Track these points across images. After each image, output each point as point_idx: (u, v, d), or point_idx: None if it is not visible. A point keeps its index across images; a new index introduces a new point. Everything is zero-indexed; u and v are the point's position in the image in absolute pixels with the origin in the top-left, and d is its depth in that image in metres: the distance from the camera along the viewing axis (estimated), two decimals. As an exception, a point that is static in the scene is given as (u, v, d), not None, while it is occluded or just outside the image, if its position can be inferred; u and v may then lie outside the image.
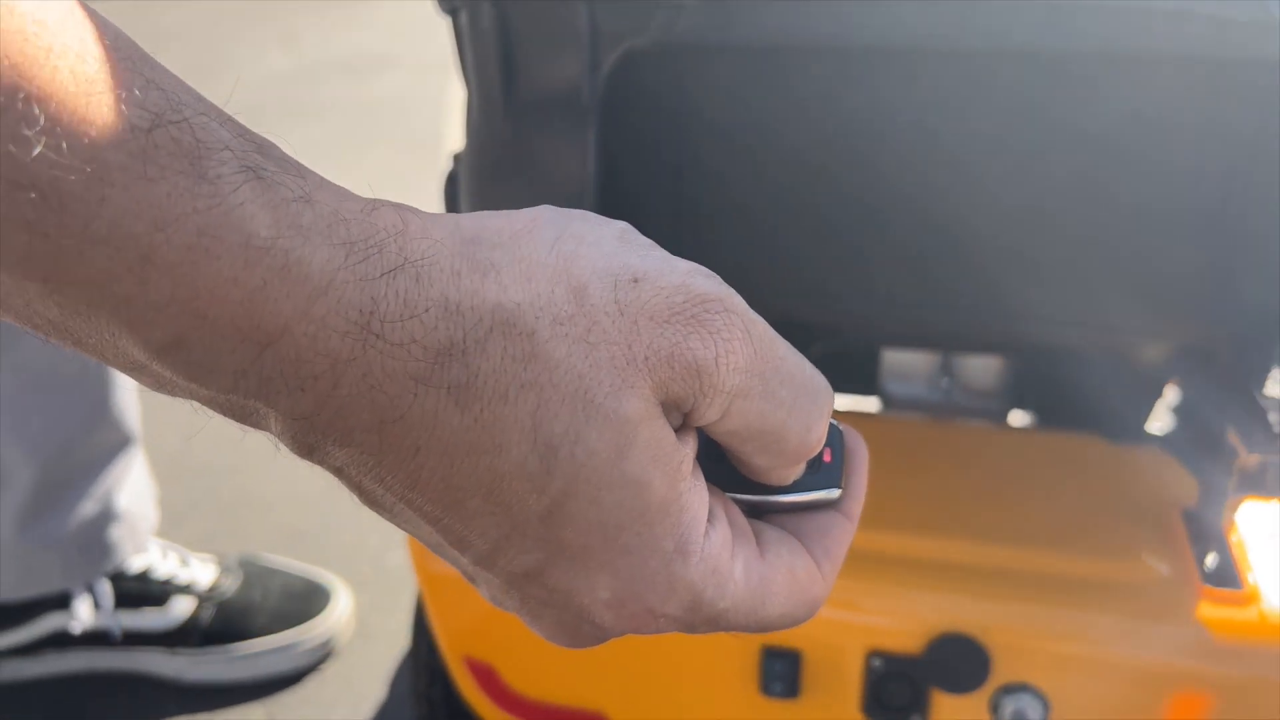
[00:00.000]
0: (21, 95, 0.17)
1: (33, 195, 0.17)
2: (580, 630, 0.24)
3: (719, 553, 0.24)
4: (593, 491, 0.22)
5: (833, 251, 0.47)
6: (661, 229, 0.49)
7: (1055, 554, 0.52)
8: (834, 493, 0.27)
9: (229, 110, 0.21)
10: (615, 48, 0.42)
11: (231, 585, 0.93)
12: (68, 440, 0.83)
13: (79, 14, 0.18)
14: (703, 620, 0.24)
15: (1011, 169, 0.43)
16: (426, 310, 0.20)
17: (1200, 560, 0.52)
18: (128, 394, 0.85)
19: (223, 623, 0.91)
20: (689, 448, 0.24)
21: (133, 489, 0.90)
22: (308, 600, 0.94)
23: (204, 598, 0.92)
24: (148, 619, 0.89)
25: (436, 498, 0.22)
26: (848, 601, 0.52)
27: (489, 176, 0.49)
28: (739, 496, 0.26)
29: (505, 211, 0.23)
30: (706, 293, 0.23)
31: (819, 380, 0.25)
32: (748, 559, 0.25)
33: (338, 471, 0.22)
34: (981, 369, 0.66)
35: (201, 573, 0.93)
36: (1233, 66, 0.39)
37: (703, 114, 0.46)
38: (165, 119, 0.18)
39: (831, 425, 0.28)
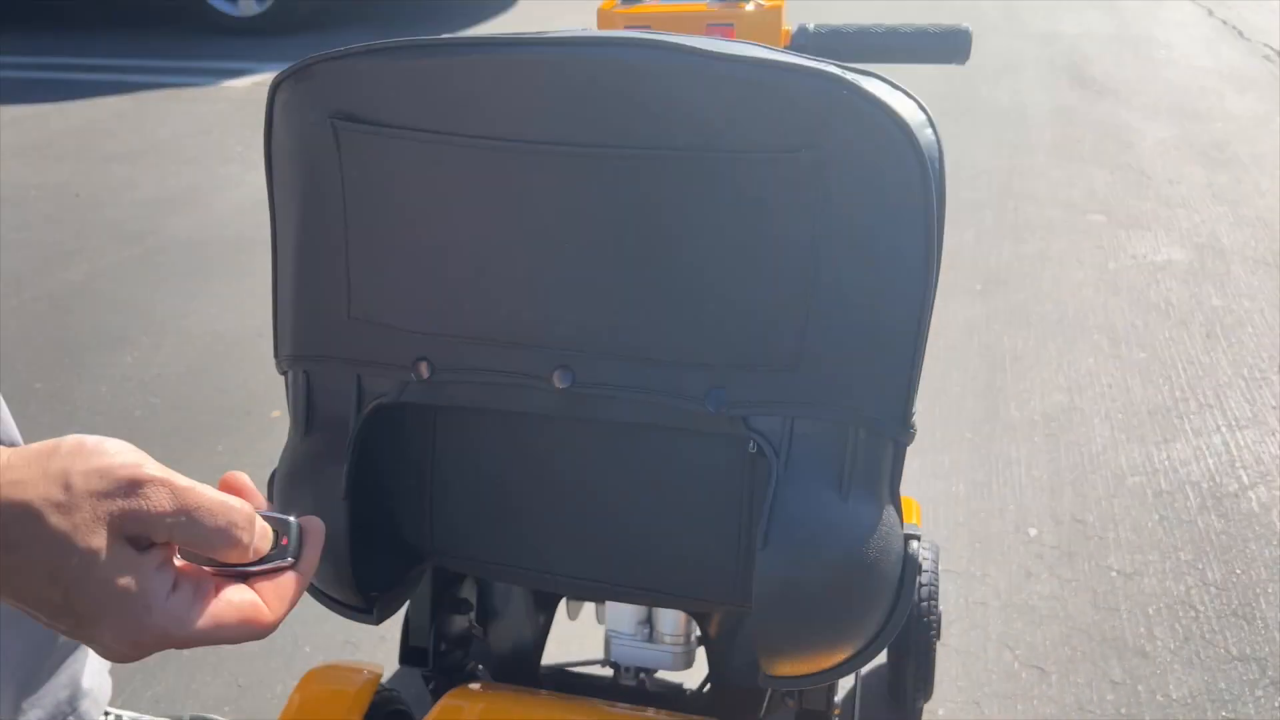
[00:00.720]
0: None
1: None
2: (113, 655, 0.43)
3: (177, 606, 0.43)
4: (82, 588, 0.40)
5: (508, 528, 0.76)
6: (409, 513, 0.77)
7: None
8: (287, 561, 0.48)
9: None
10: (370, 402, 0.71)
11: None
12: (38, 653, 1.11)
13: None
14: (177, 643, 0.43)
15: (575, 493, 0.74)
16: None
17: None
18: None
19: None
20: (151, 556, 0.42)
21: (91, 669, 1.18)
22: None
23: None
24: None
25: (12, 596, 0.41)
26: None
27: (289, 478, 0.76)
28: (226, 569, 0.46)
29: (35, 445, 0.43)
30: (149, 476, 0.42)
31: (235, 509, 0.45)
32: (203, 606, 0.44)
33: None
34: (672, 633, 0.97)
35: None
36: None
37: (425, 440, 0.76)
38: None
39: (288, 521, 0.49)
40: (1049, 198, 3.03)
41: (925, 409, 1.94)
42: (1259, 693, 1.30)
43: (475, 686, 0.89)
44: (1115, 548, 1.56)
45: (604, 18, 1.06)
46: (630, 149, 0.63)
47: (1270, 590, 1.47)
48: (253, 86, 4.52)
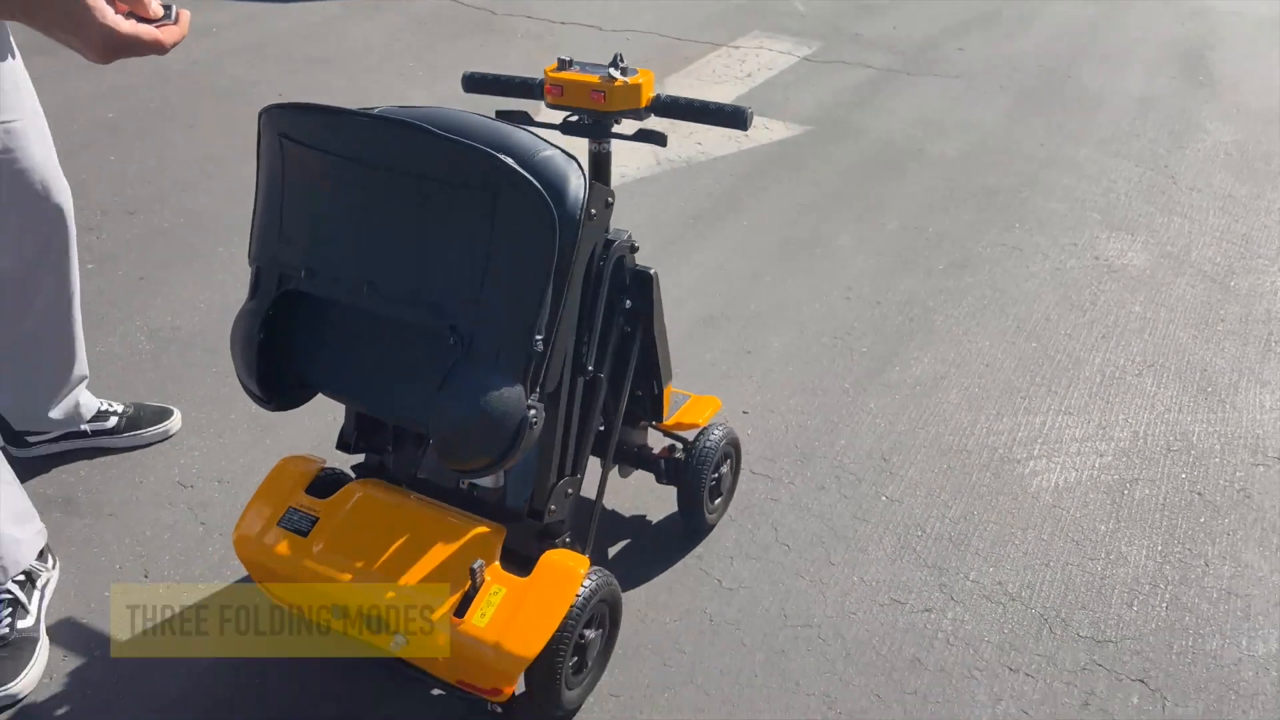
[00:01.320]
0: None
1: None
2: (94, 50, 1.05)
3: (119, 20, 1.04)
4: (82, 14, 1.02)
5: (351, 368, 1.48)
6: (301, 354, 1.49)
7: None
8: (172, 19, 1.11)
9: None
10: (280, 289, 1.44)
11: (130, 410, 2.16)
12: (56, 382, 2.03)
13: None
14: (118, 40, 1.05)
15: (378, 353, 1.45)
16: None
17: (465, 593, 1.43)
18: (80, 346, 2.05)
19: (129, 423, 2.15)
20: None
21: (85, 393, 2.09)
22: (162, 414, 2.19)
23: (120, 415, 2.14)
24: (105, 424, 2.12)
25: (43, 24, 1.04)
26: (306, 582, 1.50)
27: (237, 320, 1.47)
28: (141, 20, 1.09)
29: None
30: None
31: None
32: (133, 25, 1.07)
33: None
34: None
35: (119, 407, 2.14)
36: None
37: (309, 314, 1.48)
38: None
39: (170, 4, 1.12)
40: (1064, 191, 3.39)
41: (829, 361, 2.52)
42: (926, 589, 1.88)
43: (374, 480, 1.64)
44: (897, 482, 2.13)
45: (548, 76, 1.70)
46: (398, 172, 1.31)
47: (988, 529, 2.01)
48: (440, 2, 5.29)
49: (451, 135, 1.28)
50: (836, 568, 1.92)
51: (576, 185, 1.33)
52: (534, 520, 1.55)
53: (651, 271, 1.62)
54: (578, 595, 1.47)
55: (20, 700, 1.59)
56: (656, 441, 1.94)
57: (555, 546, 1.56)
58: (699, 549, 1.95)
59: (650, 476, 1.91)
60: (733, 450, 1.99)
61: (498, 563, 1.48)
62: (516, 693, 1.51)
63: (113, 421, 2.14)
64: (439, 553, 1.49)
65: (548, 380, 1.37)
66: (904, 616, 1.81)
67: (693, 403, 1.95)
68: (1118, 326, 2.67)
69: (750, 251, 3.03)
